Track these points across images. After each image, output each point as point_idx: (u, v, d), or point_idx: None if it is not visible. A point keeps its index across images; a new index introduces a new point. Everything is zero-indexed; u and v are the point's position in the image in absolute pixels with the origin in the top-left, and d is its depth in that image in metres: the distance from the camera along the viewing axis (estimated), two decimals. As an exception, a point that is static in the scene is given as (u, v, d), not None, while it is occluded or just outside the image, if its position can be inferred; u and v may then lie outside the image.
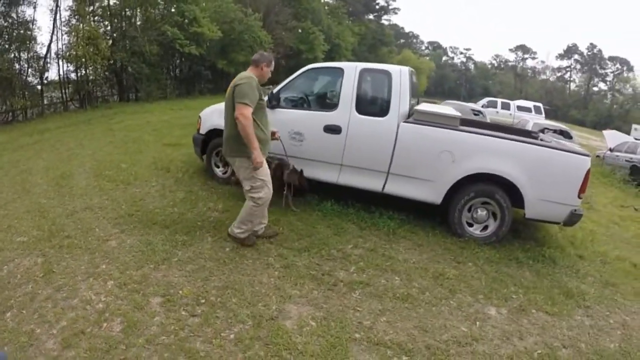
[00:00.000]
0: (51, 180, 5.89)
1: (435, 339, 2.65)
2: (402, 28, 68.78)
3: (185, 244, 3.74)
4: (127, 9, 19.04)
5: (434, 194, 4.26)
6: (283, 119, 4.68)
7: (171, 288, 3.03)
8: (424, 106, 4.72)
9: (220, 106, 5.66)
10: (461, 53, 78.45)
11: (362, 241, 4.01)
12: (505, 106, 21.17)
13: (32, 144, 9.31)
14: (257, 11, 24.31)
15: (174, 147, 7.89)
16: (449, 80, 71.35)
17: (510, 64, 72.18)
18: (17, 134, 11.13)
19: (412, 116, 4.43)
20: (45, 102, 17.08)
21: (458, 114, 4.45)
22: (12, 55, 15.43)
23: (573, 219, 3.98)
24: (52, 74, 17.49)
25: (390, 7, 51.81)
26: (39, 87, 16.73)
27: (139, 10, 19.26)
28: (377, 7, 50.62)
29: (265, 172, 3.46)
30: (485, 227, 4.25)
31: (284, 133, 4.60)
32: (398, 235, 4.21)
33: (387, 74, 4.44)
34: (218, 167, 5.60)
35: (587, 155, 4.03)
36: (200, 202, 4.77)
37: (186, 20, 19.29)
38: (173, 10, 19.77)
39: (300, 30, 29.57)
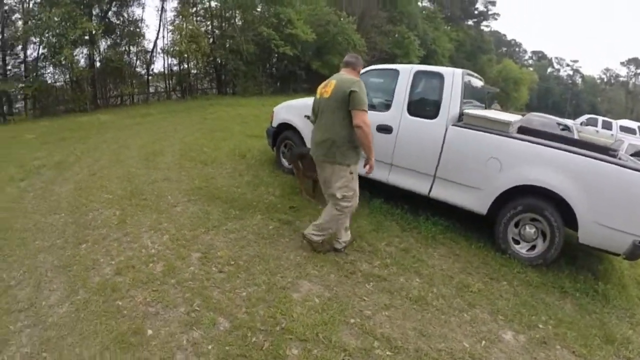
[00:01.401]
0: (142, 155, 6.91)
1: (429, 345, 2.57)
2: (504, 35, 64.37)
3: (236, 217, 4.27)
4: (226, 11, 20.53)
5: (479, 203, 4.03)
6: None
7: (212, 249, 3.56)
8: (476, 110, 4.52)
9: (292, 102, 6.17)
10: (567, 65, 71.86)
11: (399, 241, 4.03)
12: (607, 125, 18.81)
13: (134, 125, 10.76)
14: (352, 14, 24.50)
15: (257, 138, 8.57)
16: (554, 94, 65.01)
17: (621, 79, 64.99)
18: (123, 116, 12.87)
19: (462, 119, 4.28)
20: (151, 90, 19.39)
21: (510, 119, 4.17)
22: (123, 48, 17.95)
23: (636, 251, 3.31)
24: (157, 66, 19.95)
25: (490, 12, 48.59)
26: (145, 77, 19.02)
27: (237, 12, 20.66)
28: (476, 12, 47.60)
29: (357, 182, 3.45)
30: (533, 247, 3.86)
31: None
32: (437, 241, 4.12)
33: (440, 76, 4.38)
34: (285, 158, 6.08)
35: None
36: (262, 186, 5.26)
37: (282, 22, 20.15)
38: (270, 12, 20.77)
39: (395, 35, 29.13)
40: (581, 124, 17.60)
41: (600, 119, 19.75)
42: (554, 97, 64.71)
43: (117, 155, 6.93)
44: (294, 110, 5.84)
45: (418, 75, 4.56)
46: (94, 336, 2.45)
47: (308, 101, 5.93)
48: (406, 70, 4.63)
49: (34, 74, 15.40)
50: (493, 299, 3.16)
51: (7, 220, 4.19)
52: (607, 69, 68.93)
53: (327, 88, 3.30)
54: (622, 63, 64.92)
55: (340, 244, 3.65)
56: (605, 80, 68.01)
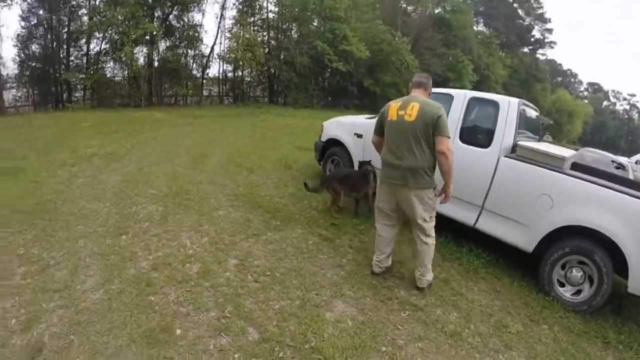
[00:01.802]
0: (191, 155, 7.16)
1: (460, 385, 2.47)
2: (560, 65, 61.91)
3: (277, 228, 4.29)
4: (283, 23, 21.18)
5: (526, 240, 3.83)
6: None
7: (249, 257, 3.58)
8: (531, 143, 4.34)
9: (342, 119, 6.26)
10: (624, 99, 69.02)
11: (439, 270, 3.89)
12: None
13: (185, 125, 11.16)
14: (407, 35, 24.80)
15: (303, 150, 8.66)
16: (609, 129, 62.34)
17: None
18: (176, 115, 13.40)
19: (515, 151, 4.12)
20: (205, 93, 20.16)
21: (565, 154, 3.97)
22: (181, 51, 18.87)
23: None
24: (213, 71, 20.80)
25: (547, 40, 46.45)
26: (200, 80, 19.78)
27: (294, 24, 21.32)
28: (532, 39, 45.78)
29: None
30: (578, 292, 3.61)
31: None
32: (479, 274, 3.96)
33: (495, 104, 4.25)
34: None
35: None
36: (306, 199, 5.27)
37: (337, 38, 20.58)
38: (325, 27, 21.28)
39: (449, 58, 29.05)
40: (636, 162, 16.55)
41: (658, 156, 18.50)
42: (609, 132, 62.07)
43: (167, 153, 7.21)
44: (344, 127, 5.85)
45: (472, 101, 4.46)
46: (122, 327, 2.50)
47: (358, 119, 5.97)
48: (460, 96, 4.53)
49: (95, 66, 16.54)
50: (532, 343, 2.98)
51: (55, 202, 4.43)
52: (667, 105, 64.50)
53: (408, 110, 3.11)
54: (682, 99, 60.22)
55: (380, 268, 3.56)
56: (664, 116, 63.57)
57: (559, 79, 60.93)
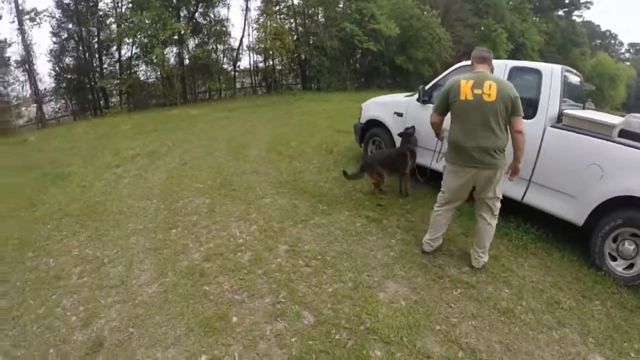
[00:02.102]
0: (231, 147, 7.33)
1: (515, 361, 2.44)
2: (598, 26, 58.16)
3: (324, 212, 4.37)
4: (309, 8, 21.05)
5: (576, 213, 3.68)
6: None
7: (299, 242, 3.67)
8: (577, 111, 4.18)
9: (381, 99, 6.20)
10: None
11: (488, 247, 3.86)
12: None
13: (221, 119, 11.37)
14: (436, 8, 24.10)
15: (343, 133, 8.62)
16: None
17: None
18: (210, 110, 13.64)
19: (562, 121, 3.96)
20: (237, 86, 20.44)
21: (615, 122, 3.77)
22: (210, 47, 19.17)
23: None
24: (243, 63, 21.09)
25: (582, 0, 42.80)
26: (232, 73, 20.05)
27: (320, 8, 21.12)
28: (567, 1, 42.36)
29: None
30: (631, 266, 3.44)
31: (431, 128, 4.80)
32: (528, 250, 3.87)
33: (538, 73, 4.09)
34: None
35: None
36: (350, 183, 5.26)
37: (365, 18, 20.28)
38: (352, 8, 20.98)
39: (482, 28, 28.15)
40: None
41: None
42: (656, 96, 57.25)
43: (207, 147, 7.41)
44: (383, 107, 5.81)
45: (514, 71, 4.31)
46: (180, 317, 2.62)
47: (397, 98, 5.90)
48: (501, 67, 4.36)
49: (128, 71, 17.15)
50: (584, 319, 2.92)
51: (104, 203, 4.66)
52: None
53: (486, 90, 3.00)
54: None
55: (431, 247, 3.57)
56: None
57: (598, 41, 57.48)
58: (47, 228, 4.03)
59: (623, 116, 4.39)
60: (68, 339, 2.45)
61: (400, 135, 5.03)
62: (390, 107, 5.61)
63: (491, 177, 3.14)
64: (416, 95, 5.17)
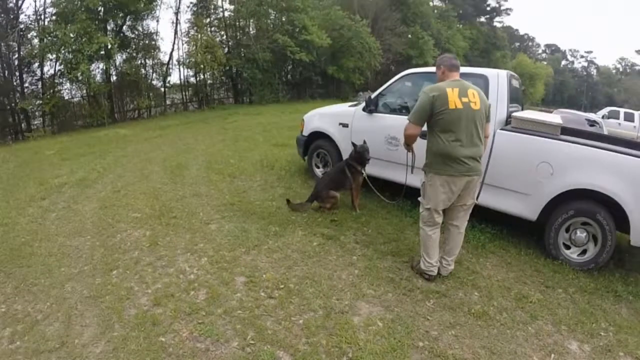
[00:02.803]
0: (167, 169, 6.79)
1: (501, 363, 2.45)
2: (516, 30, 63.30)
3: (277, 234, 4.07)
4: (240, 20, 20.82)
5: (529, 209, 3.91)
6: (380, 124, 4.83)
7: (256, 271, 3.34)
8: (522, 113, 4.37)
9: (324, 110, 6.06)
10: (582, 57, 71.30)
11: None
12: (629, 117, 18.10)
13: (154, 138, 10.69)
14: (366, 17, 24.80)
15: (281, 147, 8.41)
16: (569, 87, 64.31)
17: (637, 68, 63.38)
18: (142, 129, 12.88)
19: (510, 123, 4.15)
20: (168, 102, 19.60)
21: (559, 121, 4.03)
22: (139, 62, 18.16)
23: None
24: (174, 78, 20.22)
25: (502, 7, 47.80)
26: (162, 89, 19.23)
27: (251, 20, 20.97)
28: (488, 8, 46.83)
29: None
30: (584, 252, 3.75)
31: (380, 138, 4.72)
32: (487, 250, 3.97)
33: (484, 78, 4.19)
34: (318, 167, 5.95)
35: None
36: (298, 199, 5.02)
37: (296, 29, 20.40)
38: (284, 19, 21.04)
39: (409, 36, 29.30)
40: (602, 117, 17.04)
41: (622, 111, 19.27)
42: (570, 91, 63.94)
43: (141, 170, 6.79)
44: (328, 118, 5.68)
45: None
46: (137, 380, 2.22)
47: (341, 108, 5.84)
48: None
49: (51, 90, 15.65)
50: (553, 309, 3.06)
51: (30, 244, 4.00)
52: (622, 58, 67.43)
53: (471, 98, 2.99)
54: (637, 51, 65.40)
55: (435, 270, 3.37)
56: (621, 70, 66.85)
57: (517, 44, 62.81)
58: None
59: (550, 112, 4.69)
60: None
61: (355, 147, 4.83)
62: (335, 118, 5.49)
63: (476, 183, 3.18)
64: (361, 105, 5.10)
